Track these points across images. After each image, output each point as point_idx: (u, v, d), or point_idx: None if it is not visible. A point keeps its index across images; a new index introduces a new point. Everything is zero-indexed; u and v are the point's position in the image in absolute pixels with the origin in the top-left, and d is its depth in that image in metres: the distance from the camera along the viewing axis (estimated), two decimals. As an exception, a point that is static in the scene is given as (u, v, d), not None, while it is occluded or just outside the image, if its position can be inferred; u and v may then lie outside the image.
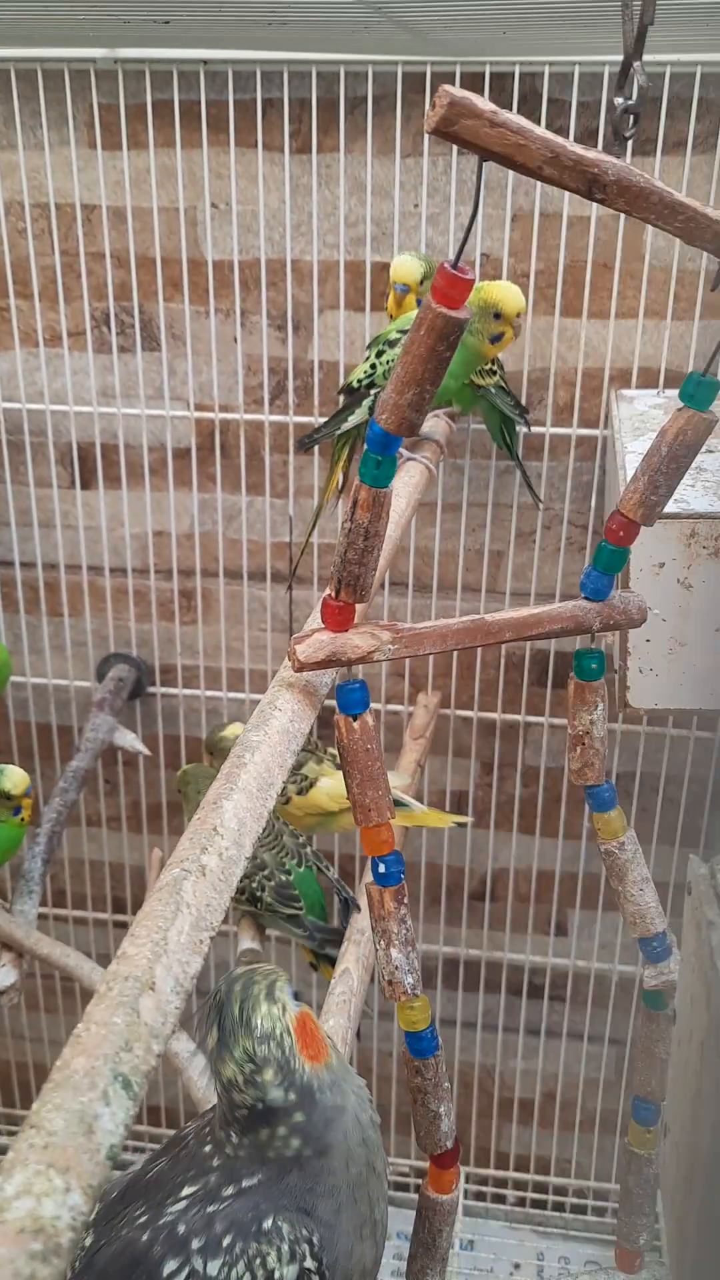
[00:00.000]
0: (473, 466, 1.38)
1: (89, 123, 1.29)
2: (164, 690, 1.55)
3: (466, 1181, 1.75)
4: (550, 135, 0.53)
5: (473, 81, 1.21)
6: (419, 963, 0.68)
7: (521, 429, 1.26)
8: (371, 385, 1.16)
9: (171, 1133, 1.77)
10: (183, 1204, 0.57)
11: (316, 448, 1.38)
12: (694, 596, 0.96)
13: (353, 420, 1.17)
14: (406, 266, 1.14)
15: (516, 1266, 1.69)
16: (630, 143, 1.04)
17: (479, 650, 1.47)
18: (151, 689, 1.55)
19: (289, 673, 0.66)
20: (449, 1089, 0.70)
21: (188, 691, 1.55)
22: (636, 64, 0.53)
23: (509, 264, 1.29)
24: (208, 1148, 0.59)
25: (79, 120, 1.30)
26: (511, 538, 1.41)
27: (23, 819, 1.12)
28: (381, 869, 0.67)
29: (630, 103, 0.54)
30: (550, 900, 1.58)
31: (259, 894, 1.07)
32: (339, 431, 1.19)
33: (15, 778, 1.11)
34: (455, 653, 1.47)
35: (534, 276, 1.29)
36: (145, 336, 1.39)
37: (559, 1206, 1.73)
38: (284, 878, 1.09)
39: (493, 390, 1.20)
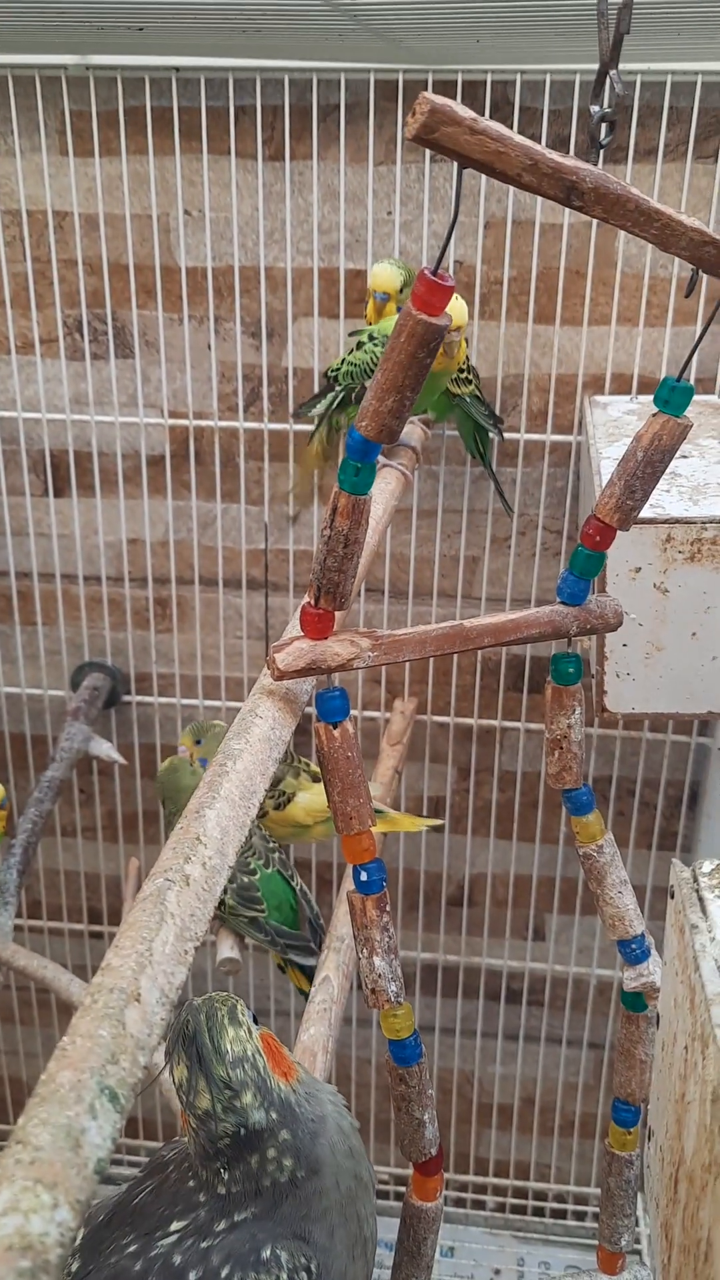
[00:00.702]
0: (448, 473, 1.38)
1: (60, 129, 1.29)
2: (139, 699, 1.54)
3: (446, 1188, 1.75)
4: (529, 143, 0.53)
5: (445, 89, 1.21)
6: (401, 970, 0.68)
7: (494, 437, 1.26)
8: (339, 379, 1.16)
9: (152, 1145, 1.76)
10: (174, 1237, 0.56)
11: (291, 453, 1.38)
12: (670, 601, 0.97)
13: (320, 407, 1.18)
14: (386, 274, 1.14)
15: (497, 1272, 1.68)
16: (603, 150, 1.05)
17: (455, 656, 1.48)
18: (127, 697, 1.54)
19: (268, 680, 0.66)
20: (432, 1096, 0.70)
21: (163, 700, 1.54)
22: (612, 72, 0.53)
23: (482, 271, 1.30)
24: (191, 1183, 0.58)
25: (50, 127, 1.29)
26: (487, 544, 1.41)
27: None
28: (364, 877, 0.67)
29: (606, 110, 0.54)
30: (528, 905, 1.59)
31: (223, 897, 1.05)
32: (310, 413, 1.20)
33: None
34: (431, 659, 1.47)
35: (507, 283, 1.29)
36: (119, 344, 1.38)
37: (539, 1212, 1.74)
38: (246, 879, 1.07)
39: (468, 399, 1.20)
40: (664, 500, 0.97)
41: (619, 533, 0.86)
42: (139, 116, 1.27)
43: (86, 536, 1.47)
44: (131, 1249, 0.56)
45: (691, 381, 0.64)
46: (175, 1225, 0.56)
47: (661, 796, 1.50)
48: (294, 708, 0.67)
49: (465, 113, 0.51)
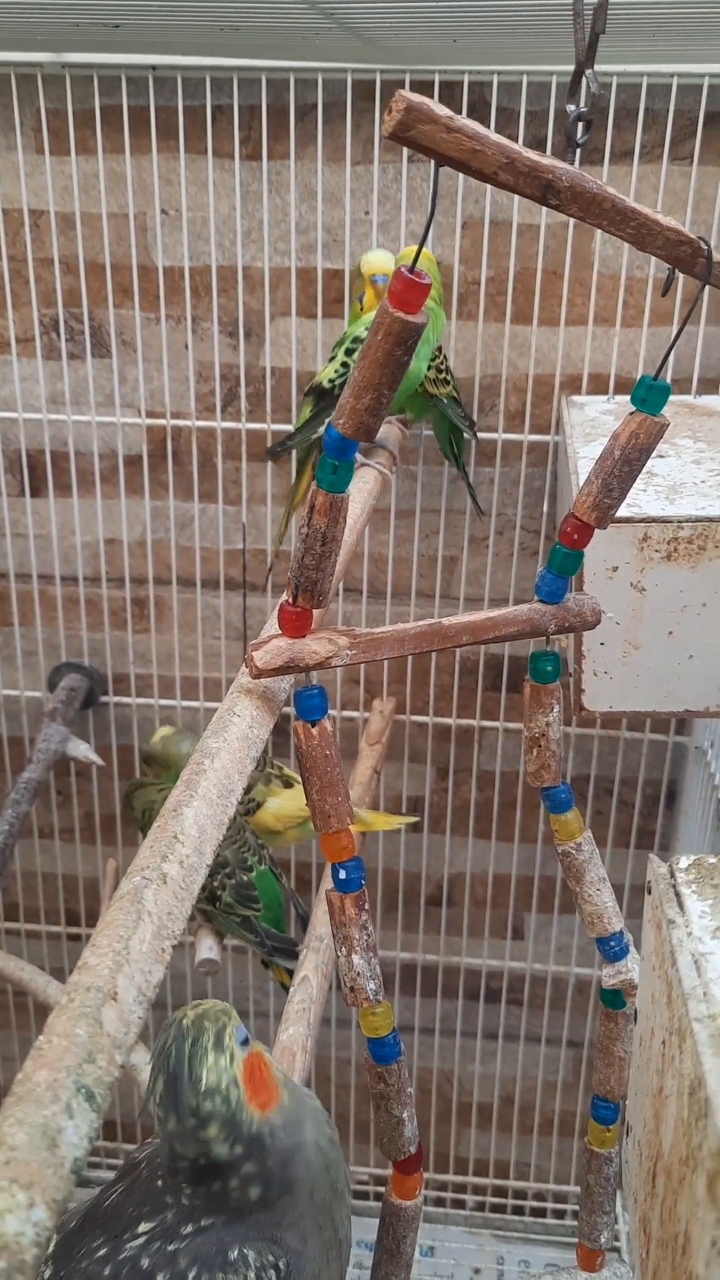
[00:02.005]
0: (425, 473, 1.38)
1: (36, 128, 1.28)
2: (117, 699, 1.54)
3: (426, 1188, 1.75)
4: (505, 141, 0.53)
5: (422, 89, 1.21)
6: (379, 968, 0.68)
7: (469, 439, 1.27)
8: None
9: (130, 1147, 1.75)
10: (141, 1239, 0.55)
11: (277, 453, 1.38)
12: (647, 600, 0.97)
13: (315, 431, 1.17)
14: (382, 259, 1.14)
15: (476, 1271, 1.69)
16: (579, 151, 1.05)
17: (434, 655, 1.48)
18: (104, 698, 1.53)
19: (247, 679, 0.66)
20: (411, 1094, 0.70)
21: (141, 700, 1.53)
22: (588, 72, 0.53)
23: (460, 271, 1.30)
24: (160, 1183, 0.58)
25: (26, 125, 1.28)
26: (465, 543, 1.41)
27: None
28: (342, 875, 0.67)
29: (582, 110, 0.54)
30: (506, 904, 1.59)
31: (219, 893, 1.04)
32: (315, 437, 1.18)
33: None
34: (410, 658, 1.48)
35: (484, 284, 1.30)
36: (95, 343, 1.37)
37: (519, 1210, 1.74)
38: (245, 876, 1.07)
39: (445, 401, 1.21)
40: (641, 499, 0.98)
41: (597, 531, 0.86)
42: (115, 115, 1.26)
43: (63, 537, 1.47)
44: (101, 1253, 0.55)
45: (668, 380, 0.64)
46: (144, 1226, 0.56)
47: (639, 795, 1.51)
48: (272, 706, 0.67)
49: (441, 110, 0.51)
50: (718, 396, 1.29)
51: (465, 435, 1.25)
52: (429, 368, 1.18)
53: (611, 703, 1.01)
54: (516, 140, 1.24)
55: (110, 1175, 0.66)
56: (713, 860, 0.53)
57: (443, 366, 1.20)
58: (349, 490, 0.87)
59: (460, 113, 1.22)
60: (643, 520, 0.95)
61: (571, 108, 0.55)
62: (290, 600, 0.64)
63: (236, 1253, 0.54)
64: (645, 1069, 0.53)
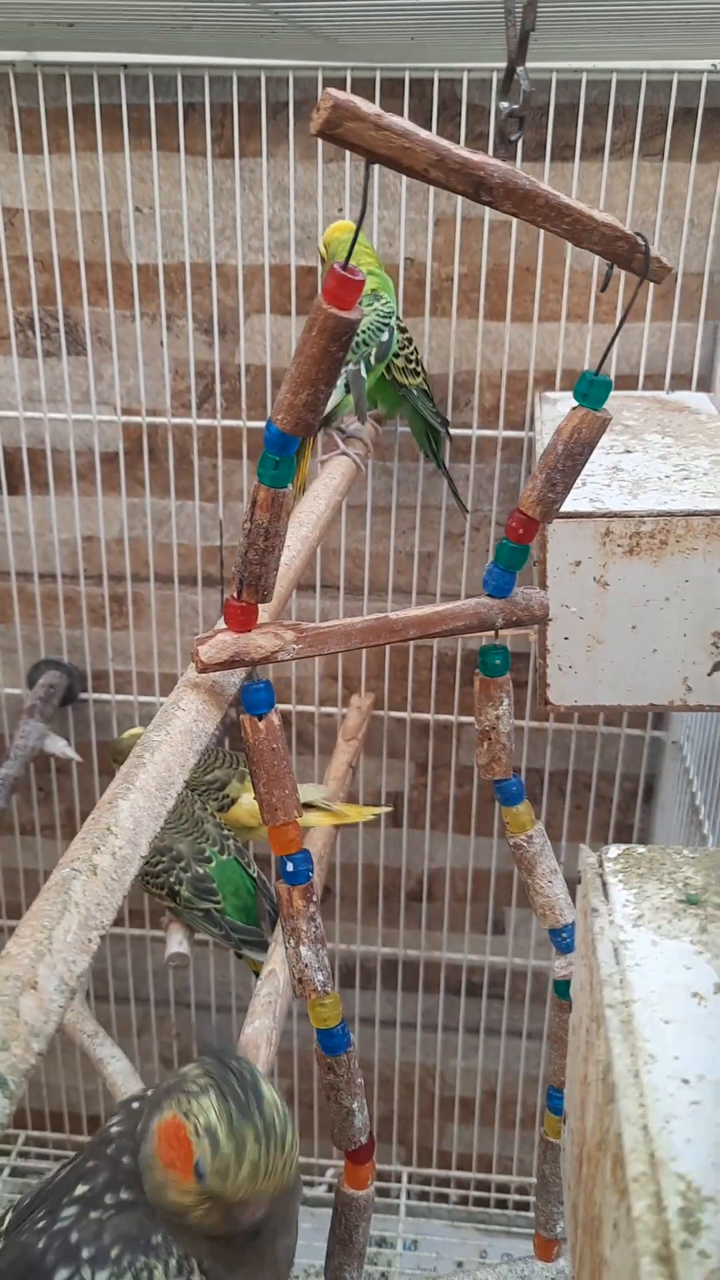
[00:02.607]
0: (401, 469, 1.39)
1: (9, 126, 1.29)
2: (96, 696, 1.54)
3: (409, 1182, 1.75)
4: (436, 138, 0.54)
5: (392, 87, 1.22)
6: (329, 960, 0.68)
7: (445, 438, 1.27)
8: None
9: (83, 1139, 1.76)
10: (75, 1207, 0.56)
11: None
12: (610, 594, 0.97)
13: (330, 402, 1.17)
14: (342, 226, 1.15)
15: (460, 1265, 1.69)
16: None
17: (411, 651, 1.48)
18: (84, 695, 1.54)
19: (194, 674, 0.67)
20: (361, 1085, 0.70)
21: (120, 697, 1.54)
22: (520, 69, 0.54)
23: (433, 268, 1.30)
24: (112, 1148, 0.59)
25: (0, 124, 1.29)
26: (441, 539, 1.42)
27: None
28: (290, 867, 0.67)
29: (515, 107, 0.55)
30: (487, 899, 1.59)
31: (177, 888, 1.04)
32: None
33: None
34: (388, 655, 1.48)
35: (458, 280, 1.30)
36: (71, 340, 1.38)
37: (501, 1204, 1.74)
38: (201, 869, 1.06)
39: (415, 392, 1.21)
40: (604, 494, 0.98)
41: (560, 526, 0.87)
42: (88, 113, 1.27)
43: (41, 534, 1.47)
44: (41, 1224, 0.56)
45: (611, 376, 0.65)
46: (81, 1189, 0.57)
47: (617, 790, 1.51)
48: (220, 700, 0.67)
49: (369, 108, 0.52)
50: (689, 392, 1.29)
51: (440, 431, 1.26)
52: (398, 355, 1.18)
53: (577, 697, 1.01)
54: (487, 138, 1.25)
55: (43, 1166, 0.66)
56: (642, 850, 0.54)
57: (412, 356, 1.21)
58: (313, 486, 0.88)
59: (431, 111, 1.23)
60: (604, 515, 0.95)
61: (505, 105, 0.55)
62: (235, 595, 0.64)
63: (160, 1238, 0.55)
64: (575, 1057, 0.53)
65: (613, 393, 1.31)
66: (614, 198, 1.26)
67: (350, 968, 1.65)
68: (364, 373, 1.13)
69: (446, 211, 1.28)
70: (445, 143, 0.54)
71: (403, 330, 1.21)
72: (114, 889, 0.51)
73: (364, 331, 1.12)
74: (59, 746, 1.42)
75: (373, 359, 1.13)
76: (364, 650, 1.47)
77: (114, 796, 0.55)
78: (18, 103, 1.27)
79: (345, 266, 0.55)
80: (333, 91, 0.51)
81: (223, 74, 1.23)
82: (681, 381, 1.31)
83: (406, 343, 1.20)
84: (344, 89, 1.21)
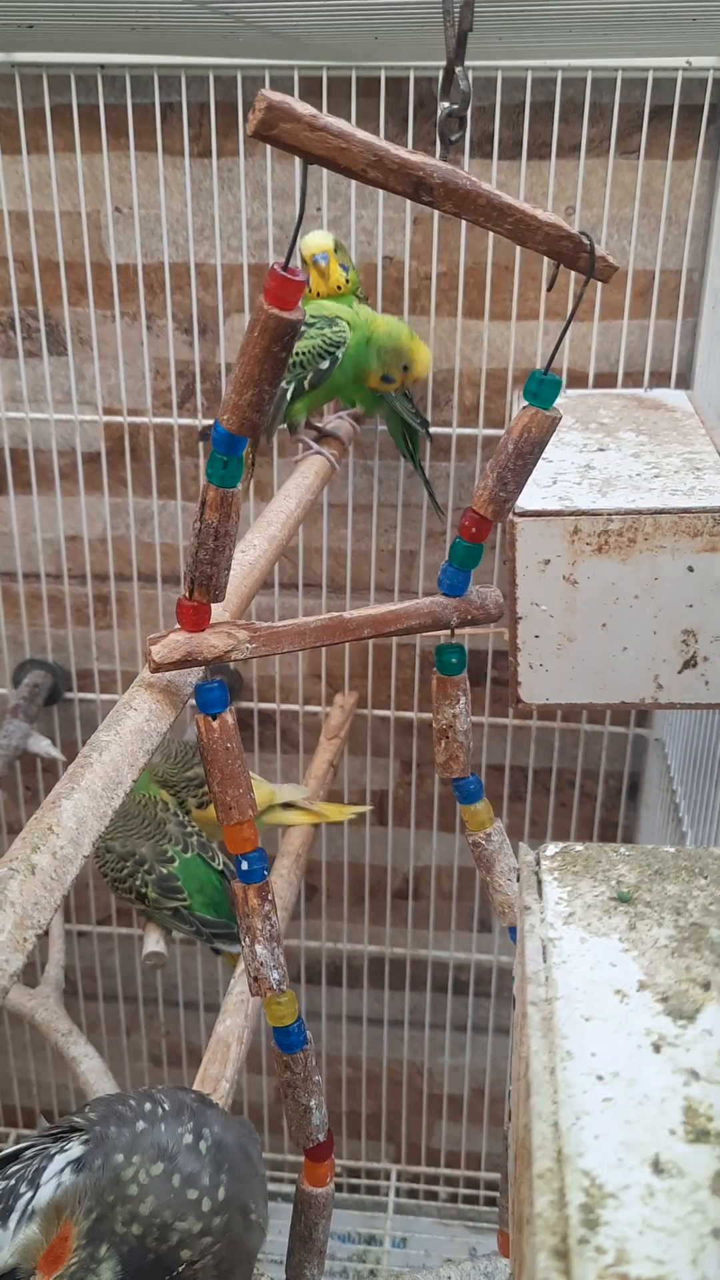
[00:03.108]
0: (382, 468, 1.39)
1: (-12, 127, 1.29)
2: (81, 696, 1.55)
3: (397, 1179, 1.76)
4: (373, 138, 0.54)
5: (368, 86, 1.22)
6: (284, 958, 0.69)
7: (423, 436, 1.27)
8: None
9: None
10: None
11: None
12: (579, 592, 0.97)
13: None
14: (317, 237, 1.15)
15: (449, 1261, 1.69)
16: (524, 146, 1.05)
17: (394, 649, 1.48)
18: (69, 694, 1.55)
19: (147, 674, 0.67)
20: (319, 1083, 0.71)
21: (105, 697, 1.54)
22: (459, 69, 0.54)
23: (411, 266, 1.30)
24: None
25: (-22, 125, 1.29)
26: (423, 538, 1.42)
27: None
28: (245, 866, 0.68)
29: (455, 107, 0.55)
30: (472, 897, 1.60)
31: (144, 890, 1.05)
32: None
33: None
34: (371, 653, 1.48)
35: (436, 279, 1.30)
36: (52, 341, 1.38)
37: (490, 1201, 1.75)
38: (164, 869, 1.06)
39: (394, 394, 1.21)
40: (573, 493, 0.98)
41: (529, 524, 0.87)
42: (66, 114, 1.27)
43: (25, 534, 1.48)
44: None
45: (590, 373, 0.65)
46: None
47: (601, 787, 1.51)
48: (174, 700, 0.68)
49: (304, 109, 0.52)
50: (667, 390, 1.29)
51: (419, 432, 1.26)
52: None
53: (548, 695, 1.01)
54: (465, 136, 1.25)
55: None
56: (579, 848, 0.54)
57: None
58: (285, 486, 0.88)
59: (406, 110, 1.23)
60: (573, 514, 0.95)
61: (444, 105, 0.55)
62: (187, 595, 0.65)
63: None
64: (513, 1054, 0.53)
65: (590, 390, 1.32)
66: (591, 195, 1.26)
67: (337, 966, 1.65)
68: (289, 394, 1.12)
69: (424, 211, 1.28)
70: (384, 143, 0.54)
71: None
72: (53, 888, 0.51)
73: (303, 353, 1.11)
74: (42, 746, 1.42)
75: (306, 384, 1.11)
76: (346, 649, 1.48)
77: (58, 796, 0.56)
78: (-4, 104, 1.28)
79: (286, 267, 0.55)
80: (266, 93, 0.51)
81: (199, 74, 1.23)
82: (660, 379, 1.31)
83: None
84: (319, 89, 1.21)
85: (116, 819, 1.06)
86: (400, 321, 1.16)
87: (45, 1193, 0.55)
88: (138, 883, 1.04)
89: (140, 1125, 0.57)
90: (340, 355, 1.11)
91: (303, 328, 1.14)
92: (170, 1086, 0.64)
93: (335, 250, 1.16)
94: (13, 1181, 0.57)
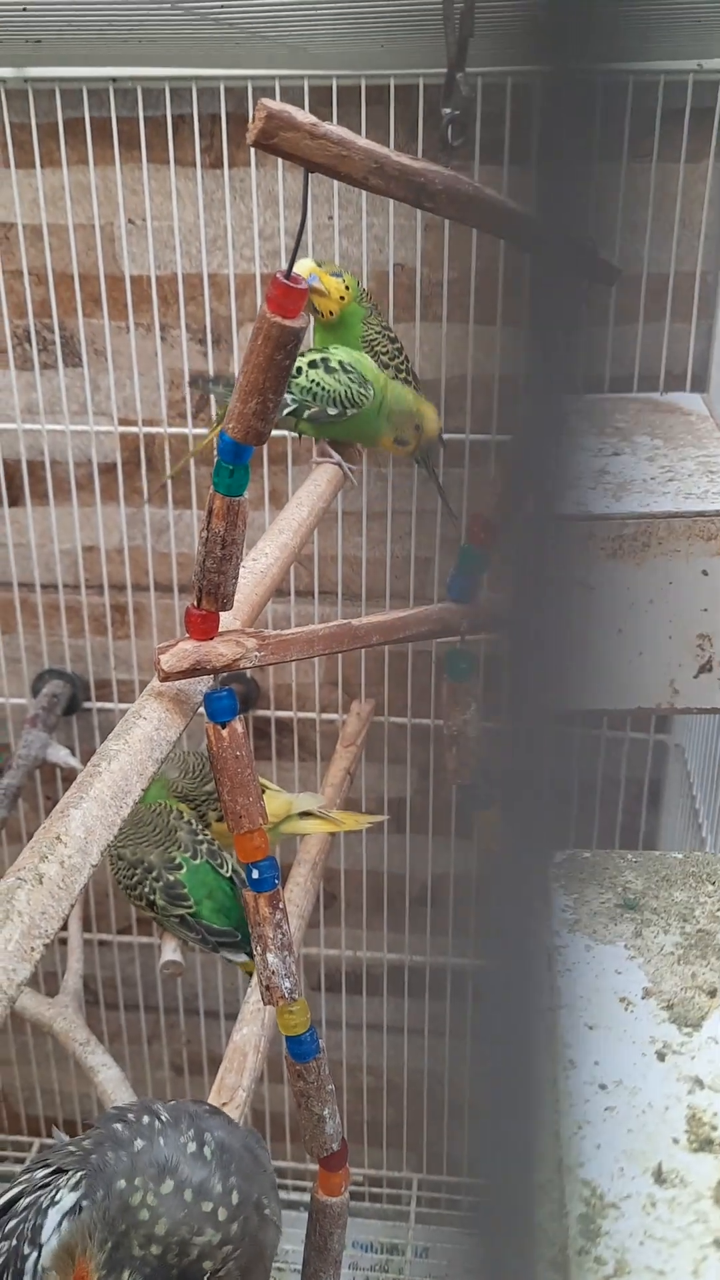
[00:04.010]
0: (396, 475, 1.39)
1: (2, 142, 1.30)
2: (100, 705, 1.55)
3: (419, 1189, 1.75)
4: (374, 146, 0.54)
5: (378, 94, 1.22)
6: (296, 966, 0.68)
7: (438, 449, 1.27)
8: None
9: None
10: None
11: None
12: (595, 597, 0.97)
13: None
14: (297, 267, 1.12)
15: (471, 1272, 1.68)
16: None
17: (410, 656, 1.48)
18: (87, 704, 1.55)
19: (158, 683, 0.67)
20: (333, 1092, 0.70)
21: (123, 706, 1.55)
22: (459, 75, 0.54)
23: (422, 273, 1.30)
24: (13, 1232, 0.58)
25: (-8, 140, 1.30)
26: (437, 544, 1.42)
27: None
28: (256, 875, 0.68)
29: (455, 112, 0.55)
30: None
31: (153, 898, 1.05)
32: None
33: None
34: (387, 660, 1.48)
35: (447, 285, 1.30)
36: (67, 352, 1.39)
37: (513, 1211, 1.73)
38: (171, 876, 1.06)
39: (416, 459, 1.21)
40: (587, 497, 0.98)
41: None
42: (79, 128, 1.28)
43: (43, 545, 1.48)
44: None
45: (606, 378, 0.64)
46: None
47: (623, 794, 1.50)
48: (184, 709, 0.68)
49: (304, 117, 0.52)
50: (683, 394, 1.28)
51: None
52: (388, 367, 1.19)
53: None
54: (473, 143, 1.25)
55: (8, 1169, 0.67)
56: (587, 855, 0.54)
57: (403, 366, 1.21)
58: (298, 494, 0.88)
59: (416, 118, 1.23)
60: (586, 518, 0.95)
61: (446, 110, 0.55)
62: (195, 604, 0.65)
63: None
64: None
65: (606, 395, 1.31)
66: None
67: (357, 974, 1.65)
68: (286, 409, 1.09)
69: (434, 218, 1.28)
70: (385, 150, 0.54)
71: (393, 340, 1.21)
72: (61, 897, 0.51)
73: (320, 386, 1.08)
74: (61, 756, 1.43)
75: (306, 414, 1.09)
76: (362, 656, 1.47)
77: (66, 805, 0.56)
78: (10, 118, 1.29)
79: (289, 275, 0.56)
80: (267, 102, 0.51)
81: (210, 85, 1.24)
82: (675, 382, 1.31)
83: (396, 352, 1.20)
84: (329, 98, 1.22)
85: (130, 828, 1.07)
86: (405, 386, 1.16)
87: (50, 1247, 0.55)
88: (146, 890, 1.04)
89: (138, 1144, 0.56)
90: (350, 414, 1.10)
91: (335, 364, 1.13)
92: (176, 1101, 0.64)
93: (320, 265, 1.15)
94: (14, 1241, 0.57)
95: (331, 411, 1.09)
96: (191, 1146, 0.57)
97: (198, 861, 1.06)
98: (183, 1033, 1.73)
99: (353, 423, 1.11)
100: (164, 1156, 0.56)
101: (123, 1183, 0.55)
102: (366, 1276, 1.70)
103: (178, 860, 1.05)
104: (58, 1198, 0.57)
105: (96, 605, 1.51)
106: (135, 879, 1.05)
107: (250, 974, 1.10)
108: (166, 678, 0.65)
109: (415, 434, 1.14)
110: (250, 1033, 0.96)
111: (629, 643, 0.98)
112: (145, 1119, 0.58)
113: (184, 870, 1.05)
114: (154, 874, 1.04)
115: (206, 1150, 0.57)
